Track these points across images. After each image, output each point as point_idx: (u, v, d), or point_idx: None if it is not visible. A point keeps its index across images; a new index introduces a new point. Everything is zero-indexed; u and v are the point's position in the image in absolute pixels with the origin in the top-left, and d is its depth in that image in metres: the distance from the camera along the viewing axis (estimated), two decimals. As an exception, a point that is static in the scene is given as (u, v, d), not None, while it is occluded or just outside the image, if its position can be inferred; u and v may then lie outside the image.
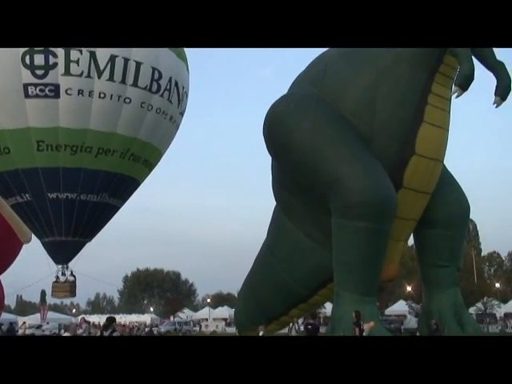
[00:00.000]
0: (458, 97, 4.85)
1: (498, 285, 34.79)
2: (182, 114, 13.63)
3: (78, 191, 12.15)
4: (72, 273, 13.28)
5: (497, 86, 5.10)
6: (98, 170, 12.19)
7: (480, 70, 5.10)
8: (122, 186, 12.64)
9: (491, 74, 5.13)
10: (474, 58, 4.99)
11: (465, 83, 4.67)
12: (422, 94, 5.16)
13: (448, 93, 5.21)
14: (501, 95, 5.05)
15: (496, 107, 5.11)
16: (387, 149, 5.25)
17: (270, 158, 6.12)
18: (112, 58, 11.98)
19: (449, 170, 6.07)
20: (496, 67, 5.19)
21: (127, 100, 12.18)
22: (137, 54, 12.18)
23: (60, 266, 13.31)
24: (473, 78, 4.69)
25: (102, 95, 11.96)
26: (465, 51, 4.75)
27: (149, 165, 12.97)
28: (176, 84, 12.86)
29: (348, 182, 5.03)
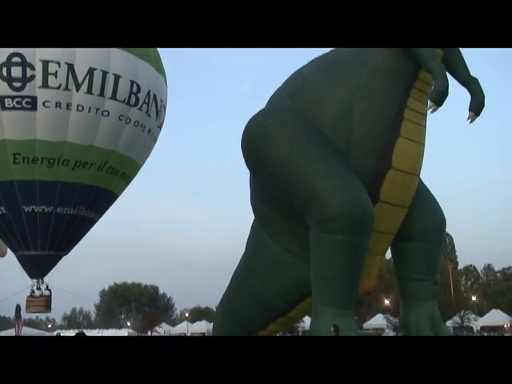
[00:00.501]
0: (433, 112, 4.92)
1: (474, 298, 35.20)
2: (159, 127, 13.60)
3: (55, 204, 12.01)
4: (47, 287, 13.08)
5: (471, 102, 5.18)
6: (75, 183, 12.08)
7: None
8: (100, 199, 12.54)
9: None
10: (448, 74, 5.07)
11: (439, 99, 4.74)
12: (398, 108, 5.21)
13: (424, 108, 5.27)
14: (475, 111, 5.13)
15: (470, 122, 5.20)
16: (364, 163, 5.28)
17: (248, 171, 6.10)
18: (90, 71, 11.95)
19: (425, 184, 6.12)
20: (470, 83, 5.28)
21: (105, 113, 12.13)
22: (115, 67, 12.16)
23: (35, 281, 13.09)
24: (447, 94, 4.76)
25: (80, 108, 11.89)
26: (439, 67, 4.82)
27: (126, 178, 12.90)
28: (154, 97, 12.87)
29: (326, 196, 5.03)
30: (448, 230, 6.29)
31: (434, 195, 6.10)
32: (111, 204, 13.34)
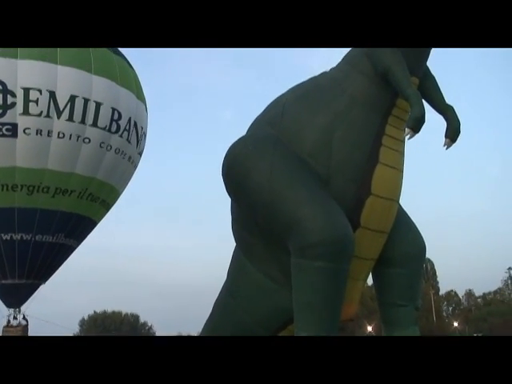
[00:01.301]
0: (410, 138, 4.98)
1: (456, 324, 35.21)
2: (140, 153, 13.63)
3: (34, 232, 11.83)
4: (24, 316, 12.78)
5: (447, 129, 5.27)
6: (55, 211, 11.94)
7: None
8: (79, 227, 12.40)
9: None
10: (424, 101, 5.15)
11: (416, 125, 4.82)
12: (376, 135, 5.27)
13: (401, 134, 5.34)
14: (451, 137, 5.23)
15: (446, 149, 5.29)
16: (344, 189, 5.30)
17: (229, 198, 6.08)
18: (72, 98, 11.97)
19: (405, 210, 6.16)
20: (445, 110, 5.39)
21: (86, 140, 12.12)
22: (97, 94, 12.20)
23: (12, 310, 12.77)
24: (424, 121, 4.83)
25: (61, 135, 11.85)
26: (415, 95, 4.91)
27: (106, 205, 12.81)
28: (135, 124, 12.93)
29: (306, 222, 5.02)
30: (429, 255, 6.34)
31: (415, 221, 6.14)
32: (90, 231, 13.19)
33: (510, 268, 55.25)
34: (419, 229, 6.03)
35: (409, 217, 6.05)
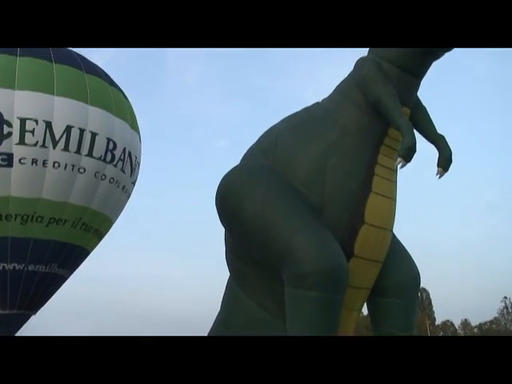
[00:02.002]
0: (402, 167, 4.98)
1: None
2: (133, 183, 13.62)
3: (26, 262, 11.69)
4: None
5: (439, 158, 5.28)
6: (48, 240, 11.82)
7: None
8: (72, 256, 12.27)
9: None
10: (416, 131, 5.17)
11: (407, 154, 4.82)
12: (368, 165, 5.26)
13: (393, 164, 5.34)
14: (443, 166, 5.23)
15: (439, 178, 5.29)
16: (338, 219, 5.27)
17: (223, 228, 6.03)
18: (68, 129, 11.99)
19: (398, 238, 6.12)
20: (437, 140, 5.41)
21: (81, 170, 12.08)
22: (93, 124, 12.24)
23: (2, 342, 12.51)
24: (415, 150, 4.84)
25: (56, 165, 11.81)
26: (406, 124, 4.93)
27: (99, 234, 12.72)
28: (129, 154, 12.95)
29: (300, 252, 4.97)
30: (424, 285, 6.29)
31: (409, 250, 6.09)
32: (83, 260, 13.09)
33: (505, 297, 54.98)
34: (413, 257, 5.98)
35: (403, 246, 6.01)
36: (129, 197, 13.43)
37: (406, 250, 5.98)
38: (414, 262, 5.93)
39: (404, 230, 6.47)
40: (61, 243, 11.94)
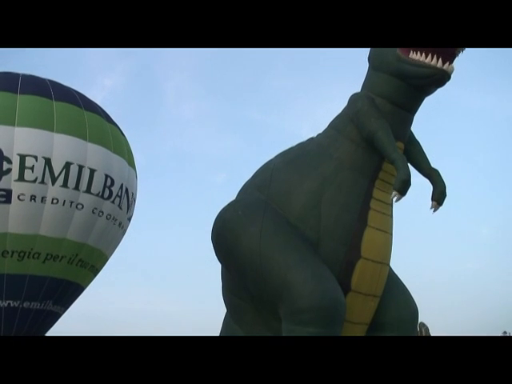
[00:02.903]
0: (397, 201, 4.95)
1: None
2: (129, 219, 13.57)
3: (22, 299, 11.49)
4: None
5: (433, 192, 5.25)
6: (45, 277, 11.66)
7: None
8: (67, 293, 12.08)
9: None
10: (410, 165, 5.17)
11: (402, 188, 4.79)
12: (364, 199, 5.23)
13: (389, 198, 5.32)
14: (437, 200, 5.20)
15: (433, 212, 5.26)
16: (334, 253, 5.20)
17: (219, 264, 5.95)
18: (67, 165, 11.98)
19: (395, 272, 6.04)
20: (431, 174, 5.40)
21: (79, 206, 12.03)
22: (91, 161, 12.26)
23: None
24: (410, 183, 4.82)
25: (54, 201, 11.75)
26: (401, 158, 4.92)
27: (95, 270, 12.59)
28: (126, 190, 12.95)
29: (296, 287, 4.89)
30: (423, 319, 6.17)
31: (406, 284, 6.01)
32: (78, 297, 12.89)
33: (505, 332, 54.23)
34: (411, 292, 5.88)
35: (400, 280, 5.93)
36: (124, 233, 13.37)
37: (403, 284, 5.90)
38: (411, 296, 5.84)
39: (401, 263, 6.38)
40: (57, 280, 11.78)
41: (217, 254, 5.78)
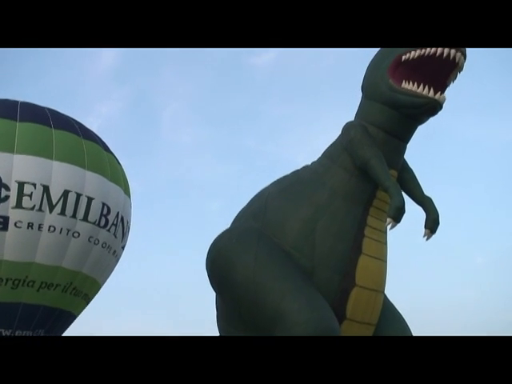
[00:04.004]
0: (391, 228, 4.90)
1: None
2: (123, 247, 13.45)
3: (14, 327, 11.24)
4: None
5: (426, 220, 5.22)
6: (38, 305, 11.44)
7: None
8: (60, 322, 11.84)
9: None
10: (403, 193, 5.14)
11: (397, 215, 4.76)
12: (358, 227, 5.18)
13: (383, 225, 5.27)
14: (430, 228, 5.16)
15: (426, 240, 5.21)
16: (329, 281, 5.12)
17: (214, 292, 5.85)
18: (65, 193, 11.89)
19: (390, 300, 5.95)
20: (424, 202, 5.37)
21: (76, 234, 11.89)
22: (89, 189, 12.19)
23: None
24: (404, 211, 4.78)
25: (51, 229, 11.62)
26: (394, 186, 4.90)
27: (87, 299, 12.40)
28: (122, 219, 12.86)
29: (291, 315, 4.79)
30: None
31: (401, 312, 5.92)
32: (69, 325, 12.64)
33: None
34: (406, 319, 5.79)
35: (395, 308, 5.84)
36: (118, 261, 13.25)
37: (398, 312, 5.80)
38: (406, 323, 5.74)
39: (396, 291, 6.30)
40: (50, 308, 11.57)
41: (211, 282, 5.69)
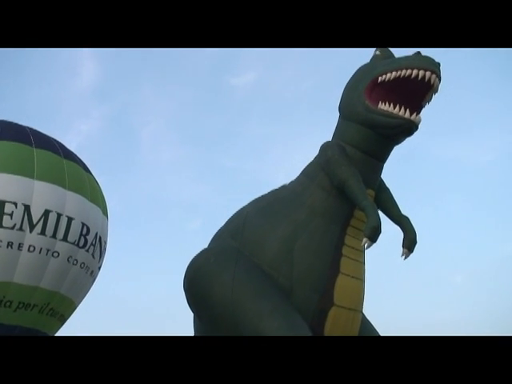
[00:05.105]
0: (367, 248, 4.82)
1: None
2: (99, 268, 13.20)
3: (-11, 349, 10.87)
4: None
5: (404, 239, 5.16)
6: (14, 326, 11.05)
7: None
8: (36, 344, 11.45)
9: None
10: (381, 212, 5.09)
11: (373, 234, 4.69)
12: (336, 246, 5.10)
13: (360, 244, 5.19)
14: (408, 247, 5.10)
15: (404, 259, 5.14)
16: (307, 300, 5.01)
17: (192, 313, 5.68)
18: (46, 213, 11.62)
19: (369, 319, 5.85)
20: (401, 221, 5.32)
21: (55, 254, 11.60)
22: (69, 209, 11.95)
23: None
24: (380, 230, 4.71)
25: (31, 248, 11.31)
26: (371, 206, 4.84)
27: (63, 319, 12.06)
28: (100, 239, 12.64)
29: (269, 335, 4.65)
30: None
31: (380, 331, 5.82)
32: (44, 347, 12.29)
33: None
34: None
35: (373, 327, 5.74)
36: (94, 281, 12.99)
37: (376, 332, 5.71)
38: None
39: (374, 310, 6.20)
40: (26, 329, 11.18)
41: (189, 303, 5.54)
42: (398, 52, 5.27)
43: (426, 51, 4.88)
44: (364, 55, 5.58)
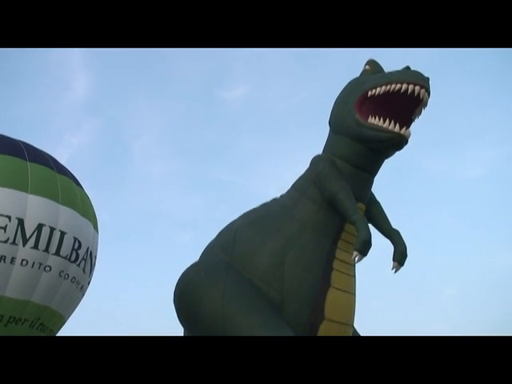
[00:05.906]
0: (358, 261, 4.75)
1: None
2: (89, 282, 13.06)
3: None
4: None
5: (394, 252, 5.11)
6: (5, 341, 10.88)
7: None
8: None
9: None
10: (371, 226, 5.03)
11: (363, 248, 4.62)
12: (327, 260, 5.02)
13: (351, 258, 5.11)
14: (398, 260, 5.04)
15: (395, 272, 5.07)
16: (298, 314, 4.91)
17: (182, 327, 5.56)
18: (39, 227, 11.47)
19: (360, 333, 5.75)
20: (392, 235, 5.26)
21: (47, 268, 11.44)
22: (62, 223, 11.83)
23: None
24: (370, 244, 4.65)
25: (24, 262, 11.15)
26: (361, 219, 4.78)
27: (52, 334, 11.86)
28: (90, 254, 12.53)
29: None
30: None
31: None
32: (35, 362, 12.06)
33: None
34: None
35: (364, 341, 5.62)
36: (83, 296, 12.84)
37: None
38: None
39: (365, 325, 6.11)
40: (16, 344, 11.06)
41: (179, 317, 5.42)
42: (388, 53, 5.23)
43: (412, 51, 4.90)
44: (355, 69, 5.57)
